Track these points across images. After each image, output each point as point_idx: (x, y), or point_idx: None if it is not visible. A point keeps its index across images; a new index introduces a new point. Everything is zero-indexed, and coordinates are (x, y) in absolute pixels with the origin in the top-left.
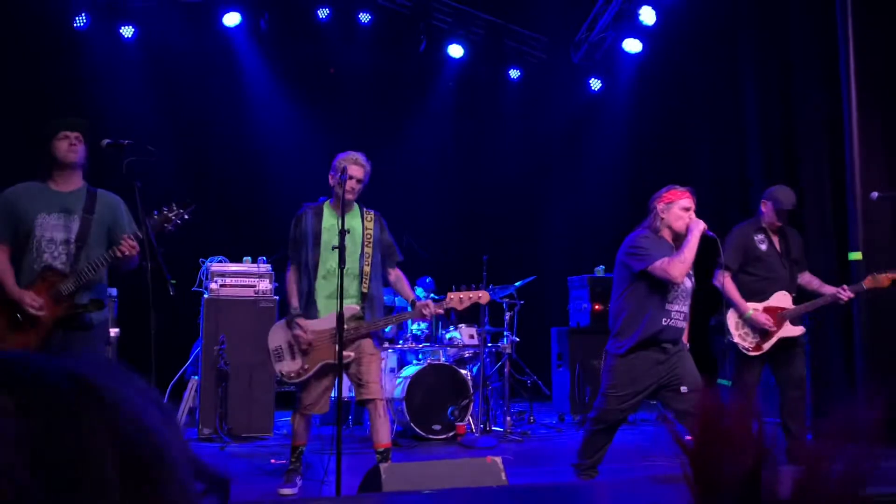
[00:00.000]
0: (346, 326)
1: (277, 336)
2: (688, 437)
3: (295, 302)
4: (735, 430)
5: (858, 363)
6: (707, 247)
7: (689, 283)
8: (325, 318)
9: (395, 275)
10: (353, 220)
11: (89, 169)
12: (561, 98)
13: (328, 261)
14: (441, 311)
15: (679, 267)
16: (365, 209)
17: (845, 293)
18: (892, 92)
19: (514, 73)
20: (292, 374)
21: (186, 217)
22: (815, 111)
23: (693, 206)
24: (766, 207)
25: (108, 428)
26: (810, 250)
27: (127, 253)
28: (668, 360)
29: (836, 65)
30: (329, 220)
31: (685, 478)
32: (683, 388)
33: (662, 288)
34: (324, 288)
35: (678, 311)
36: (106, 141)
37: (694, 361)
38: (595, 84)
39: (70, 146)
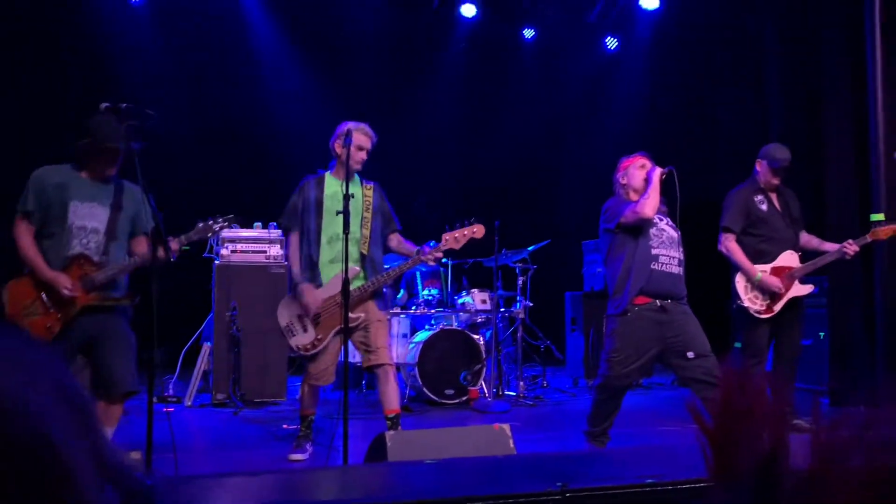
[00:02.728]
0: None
1: (286, 312)
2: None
3: (298, 271)
4: (756, 407)
5: (879, 326)
6: (712, 215)
7: (672, 232)
8: (329, 286)
9: (396, 239)
10: (354, 188)
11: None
12: (576, 58)
13: (330, 226)
14: (440, 254)
15: (646, 204)
16: (364, 180)
17: (851, 247)
18: None
19: (528, 33)
20: (308, 346)
21: (228, 228)
22: (840, 70)
23: (648, 163)
24: (760, 167)
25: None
26: (832, 211)
27: (146, 259)
28: (672, 322)
29: (862, 22)
30: (331, 187)
31: (705, 459)
32: (690, 354)
33: (643, 235)
34: (326, 253)
35: (667, 256)
36: (104, 105)
37: (709, 325)
38: (611, 43)
39: (113, 164)
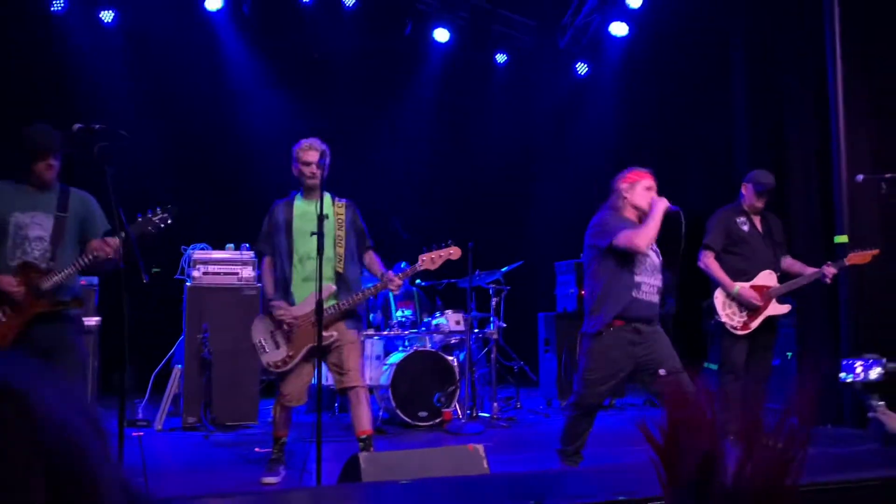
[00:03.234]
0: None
1: (259, 329)
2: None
3: (271, 291)
4: (699, 417)
5: (844, 343)
6: (691, 232)
7: (655, 258)
8: (303, 304)
9: (369, 257)
10: (325, 207)
11: (62, 155)
12: (548, 83)
13: (302, 247)
14: (401, 281)
15: (643, 237)
16: (336, 198)
17: (830, 270)
18: (877, 76)
19: (500, 58)
20: (279, 363)
21: (170, 221)
22: (804, 93)
23: (655, 187)
24: (746, 190)
25: (31, 437)
26: (796, 234)
27: (98, 254)
28: (644, 342)
29: (823, 49)
30: (300, 207)
31: (654, 465)
32: (661, 371)
33: (629, 261)
34: (299, 273)
35: (648, 284)
36: (77, 125)
37: (683, 345)
38: (581, 68)
39: (48, 167)
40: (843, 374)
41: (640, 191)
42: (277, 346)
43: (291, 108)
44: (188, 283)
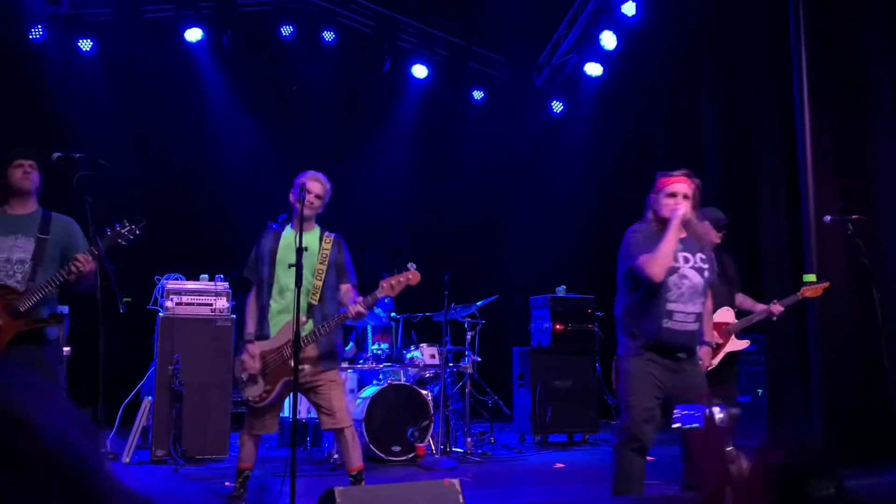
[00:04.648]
0: (291, 339)
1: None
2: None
3: (250, 327)
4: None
5: (813, 381)
6: None
7: (696, 279)
8: (276, 337)
9: (344, 289)
10: (312, 239)
11: (42, 169)
12: (523, 119)
13: (282, 277)
14: (368, 306)
15: (654, 263)
16: (326, 232)
17: (776, 307)
18: (844, 119)
19: (477, 95)
20: (257, 398)
21: (138, 232)
22: (772, 136)
23: (682, 191)
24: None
25: (41, 459)
26: (766, 272)
27: (82, 269)
28: (682, 373)
29: (792, 93)
30: (287, 238)
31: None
32: None
33: (659, 285)
34: (276, 304)
35: (682, 313)
36: (56, 154)
37: None
38: (557, 106)
39: (24, 174)
40: (677, 425)
41: (663, 199)
42: (255, 381)
43: (268, 140)
44: (161, 314)
